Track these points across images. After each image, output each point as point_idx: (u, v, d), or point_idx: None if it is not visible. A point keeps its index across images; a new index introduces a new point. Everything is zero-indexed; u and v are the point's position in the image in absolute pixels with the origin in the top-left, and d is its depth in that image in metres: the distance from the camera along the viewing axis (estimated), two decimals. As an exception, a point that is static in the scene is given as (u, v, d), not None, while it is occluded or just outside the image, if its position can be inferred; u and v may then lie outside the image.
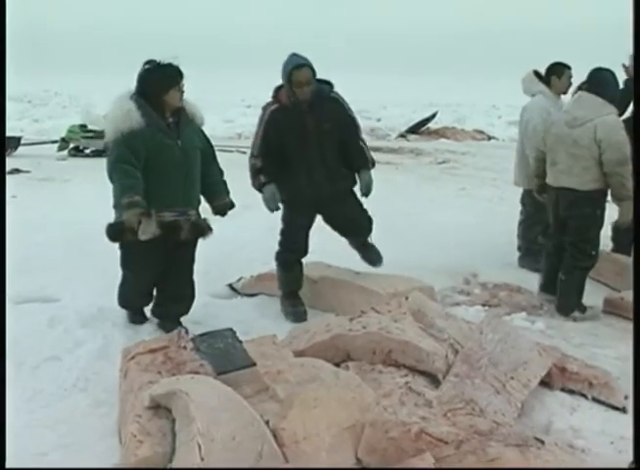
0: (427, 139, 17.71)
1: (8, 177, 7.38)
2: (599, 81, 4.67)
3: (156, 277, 4.22)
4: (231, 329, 3.47)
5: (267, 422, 2.71)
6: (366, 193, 4.57)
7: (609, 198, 4.75)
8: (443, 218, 7.34)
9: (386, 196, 8.04)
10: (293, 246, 4.64)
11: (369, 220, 4.70)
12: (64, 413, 3.28)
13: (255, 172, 4.46)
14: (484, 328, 3.69)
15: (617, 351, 4.12)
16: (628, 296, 4.76)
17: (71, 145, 12.78)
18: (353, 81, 31.25)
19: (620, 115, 5.31)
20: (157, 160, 3.92)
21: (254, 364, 3.17)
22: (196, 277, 4.34)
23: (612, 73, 4.69)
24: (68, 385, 3.54)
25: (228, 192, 4.28)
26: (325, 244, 4.98)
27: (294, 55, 4.33)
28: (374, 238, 4.77)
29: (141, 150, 3.87)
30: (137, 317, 4.36)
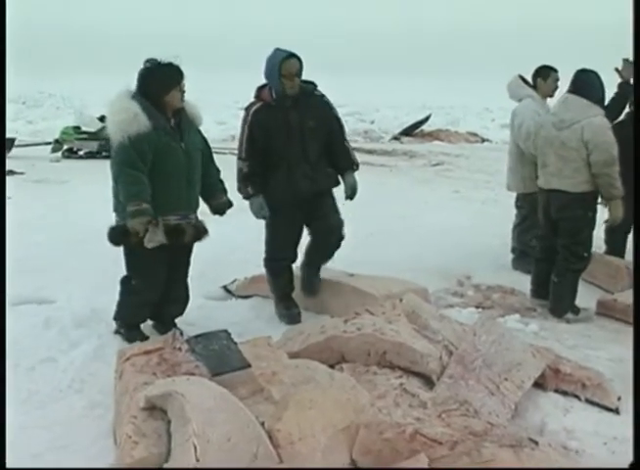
0: (420, 141, 17.71)
1: (2, 179, 7.37)
2: (584, 83, 4.66)
3: (164, 283, 4.10)
4: (226, 331, 3.47)
5: (262, 423, 2.72)
6: (351, 196, 4.53)
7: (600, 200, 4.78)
8: (437, 221, 7.34)
9: (379, 198, 8.10)
10: (278, 255, 4.59)
11: (340, 222, 4.55)
12: (59, 414, 3.28)
13: (242, 179, 4.41)
14: (478, 330, 3.71)
15: (610, 352, 4.14)
16: (621, 298, 4.79)
17: (65, 147, 12.79)
18: (346, 83, 31.36)
19: (616, 118, 5.34)
20: (162, 163, 3.86)
21: (249, 366, 3.17)
22: (190, 279, 4.33)
23: (596, 75, 4.68)
24: (63, 386, 3.54)
25: (226, 191, 4.26)
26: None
27: (278, 49, 4.30)
28: (369, 240, 4.76)
29: (148, 154, 3.81)
30: (132, 333, 4.11)
